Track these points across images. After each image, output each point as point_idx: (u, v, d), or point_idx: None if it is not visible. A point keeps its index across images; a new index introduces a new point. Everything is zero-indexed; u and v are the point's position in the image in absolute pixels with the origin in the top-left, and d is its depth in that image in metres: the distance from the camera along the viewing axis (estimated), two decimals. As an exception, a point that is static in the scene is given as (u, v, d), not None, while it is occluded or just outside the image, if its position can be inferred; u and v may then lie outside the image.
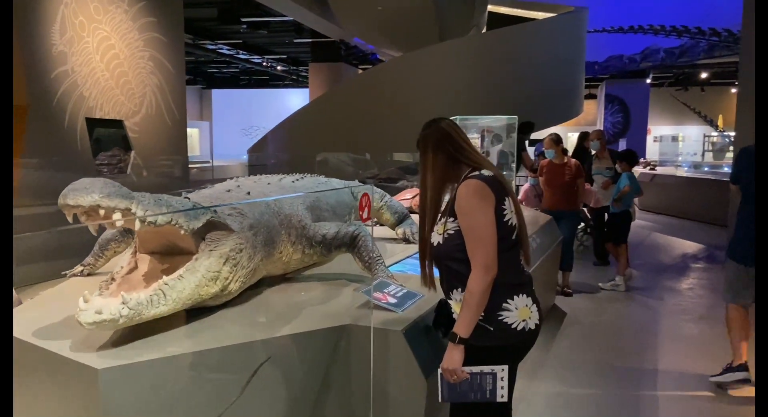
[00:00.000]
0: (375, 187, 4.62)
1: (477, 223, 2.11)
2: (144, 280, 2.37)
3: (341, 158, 12.05)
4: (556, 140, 6.54)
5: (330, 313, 2.61)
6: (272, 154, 13.55)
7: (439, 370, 2.18)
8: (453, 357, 2.13)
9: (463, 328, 2.13)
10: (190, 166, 12.91)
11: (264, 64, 22.28)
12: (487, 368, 2.16)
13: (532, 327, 2.21)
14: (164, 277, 2.29)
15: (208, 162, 23.01)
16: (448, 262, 2.23)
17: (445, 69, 10.60)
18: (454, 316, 2.25)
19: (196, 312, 2.47)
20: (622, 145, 22.30)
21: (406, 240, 4.34)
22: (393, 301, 2.73)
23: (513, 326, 2.16)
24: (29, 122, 7.39)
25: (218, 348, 2.14)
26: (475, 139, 7.16)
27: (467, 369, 2.15)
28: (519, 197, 7.55)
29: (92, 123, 8.48)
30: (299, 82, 26.30)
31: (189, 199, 2.49)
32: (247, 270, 2.63)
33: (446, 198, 2.33)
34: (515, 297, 2.18)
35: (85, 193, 1.97)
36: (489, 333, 2.15)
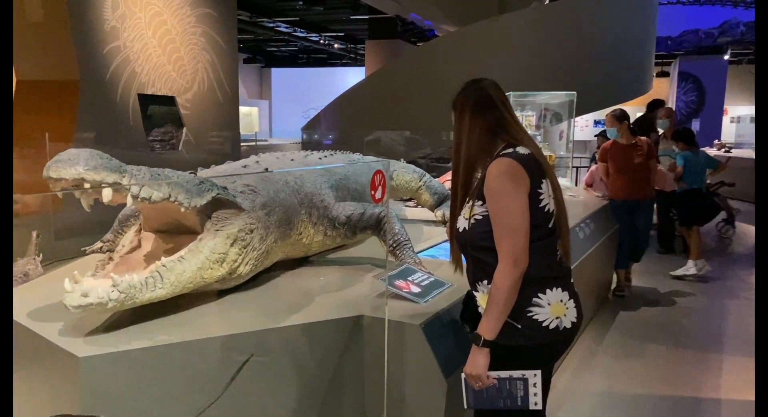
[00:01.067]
0: (414, 167, 4.35)
1: (507, 210, 1.86)
2: (144, 260, 2.21)
3: (393, 137, 11.78)
4: (620, 116, 5.54)
5: (346, 301, 2.39)
6: (325, 132, 13.44)
7: (463, 375, 1.93)
8: (477, 361, 1.89)
9: (488, 329, 1.88)
10: (243, 143, 12.96)
11: (321, 42, 22.13)
12: (516, 373, 1.91)
13: (568, 325, 1.95)
14: (163, 258, 2.12)
15: (265, 140, 23.29)
16: (473, 251, 1.99)
17: (503, 43, 10.10)
18: (480, 310, 2.00)
19: (201, 296, 2.31)
20: (695, 125, 20.96)
21: (445, 223, 4.05)
22: (416, 290, 2.48)
23: (544, 324, 1.91)
24: (81, 98, 7.49)
25: (212, 338, 1.95)
26: (529, 116, 6.73)
27: (494, 374, 1.91)
28: (584, 179, 6.91)
29: (144, 99, 8.55)
30: (357, 61, 26.07)
31: (195, 174, 2.31)
32: (259, 252, 2.44)
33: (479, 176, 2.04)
34: (548, 291, 1.92)
35: (68, 165, 1.81)
36: (516, 331, 1.90)
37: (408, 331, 2.15)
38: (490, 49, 10.21)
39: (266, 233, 2.46)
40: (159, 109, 9.13)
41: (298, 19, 18.86)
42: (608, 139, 7.47)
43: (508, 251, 1.84)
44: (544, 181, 1.93)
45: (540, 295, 1.91)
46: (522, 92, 6.64)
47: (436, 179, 6.14)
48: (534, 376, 1.91)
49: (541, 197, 1.91)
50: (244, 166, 2.83)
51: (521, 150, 1.95)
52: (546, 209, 1.93)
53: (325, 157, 3.45)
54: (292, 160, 3.16)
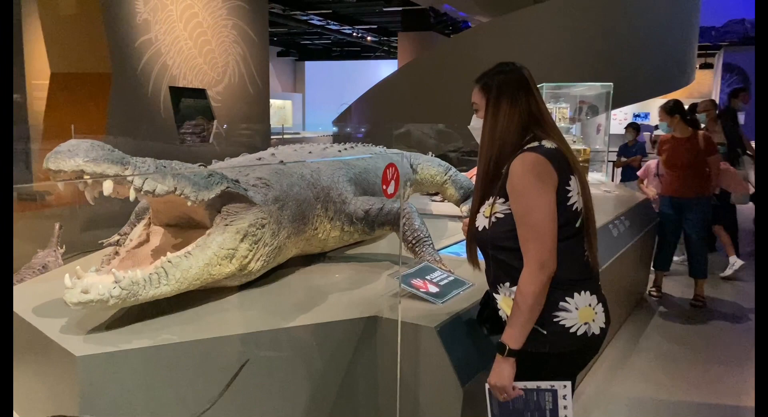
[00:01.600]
0: (440, 160, 4.21)
1: (533, 209, 1.72)
2: (152, 255, 2.14)
3: (423, 130, 11.62)
4: (670, 109, 5.03)
5: (360, 300, 2.28)
6: (356, 125, 13.36)
7: (487, 385, 1.80)
8: (502, 371, 1.75)
9: (513, 337, 1.74)
10: (273, 136, 12.98)
11: (354, 34, 22.03)
12: (545, 384, 1.78)
13: (596, 331, 1.81)
14: (168, 253, 2.04)
15: (298, 133, 23.37)
16: (494, 251, 1.85)
17: (539, 33, 9.81)
18: (501, 313, 1.88)
19: (210, 293, 2.23)
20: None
21: (471, 218, 3.91)
22: (434, 290, 2.36)
23: (572, 330, 1.77)
24: (113, 90, 7.56)
25: (215, 338, 1.87)
26: (563, 109, 6.50)
27: (521, 385, 1.77)
28: (639, 173, 6.53)
29: (175, 91, 8.60)
30: (390, 53, 25.92)
31: (205, 167, 2.23)
32: (271, 248, 2.35)
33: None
34: (575, 295, 1.78)
35: (67, 157, 1.74)
36: (543, 337, 1.77)
37: (422, 333, 2.04)
38: (526, 39, 9.95)
39: (278, 228, 2.37)
40: (190, 102, 9.18)
41: (330, 11, 18.79)
42: (637, 131, 7.11)
43: (535, 255, 1.71)
44: (572, 177, 1.80)
45: (567, 298, 1.78)
46: (556, 83, 6.41)
47: (464, 173, 6.00)
48: (564, 388, 1.79)
49: (570, 195, 1.78)
50: (259, 159, 2.75)
51: (547, 144, 1.81)
52: (574, 208, 1.80)
53: (345, 150, 3.35)
54: (310, 152, 3.06)
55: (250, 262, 2.27)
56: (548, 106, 6.61)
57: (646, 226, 4.98)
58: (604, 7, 9.22)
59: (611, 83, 6.36)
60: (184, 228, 2.29)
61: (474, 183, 4.12)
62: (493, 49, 10.23)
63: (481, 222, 1.87)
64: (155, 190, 1.92)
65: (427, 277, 2.45)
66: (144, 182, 1.88)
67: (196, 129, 9.50)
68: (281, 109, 27.65)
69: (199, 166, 2.21)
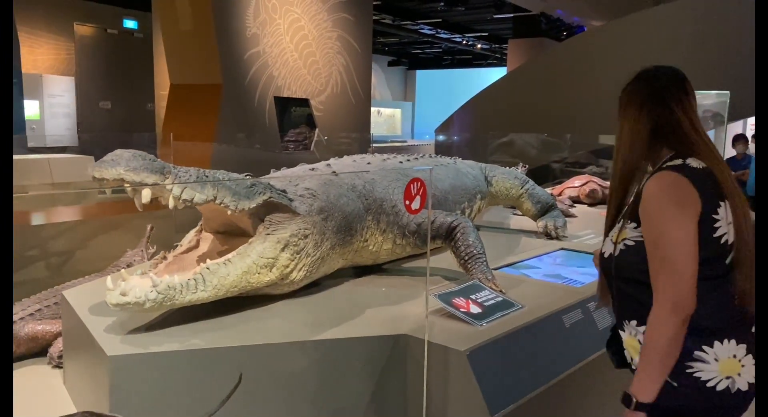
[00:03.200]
0: (517, 173, 4.04)
1: (668, 239, 1.49)
2: (198, 261, 2.23)
3: (527, 139, 11.27)
4: None
5: (397, 316, 2.22)
6: (459, 134, 13.24)
7: None
8: None
9: (642, 390, 1.52)
10: (375, 144, 13.19)
11: (464, 43, 21.91)
12: None
13: (743, 387, 1.52)
14: (208, 260, 2.12)
15: (405, 141, 23.59)
16: (620, 283, 1.63)
17: (654, 38, 9.18)
18: (625, 354, 1.66)
19: (251, 300, 2.28)
20: None
21: (547, 234, 3.70)
22: (476, 310, 2.25)
23: (709, 384, 1.51)
24: (222, 100, 8.06)
25: (241, 346, 1.91)
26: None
27: None
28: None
29: (280, 101, 9.01)
30: (502, 61, 25.47)
31: (251, 176, 2.29)
32: (314, 258, 2.36)
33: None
34: (716, 343, 1.52)
35: (110, 166, 1.85)
36: (672, 389, 1.52)
37: (451, 356, 1.94)
38: (640, 44, 9.34)
39: (322, 239, 2.38)
40: (294, 111, 9.58)
41: (440, 20, 18.82)
42: (747, 143, 6.40)
43: (667, 293, 1.48)
44: (722, 204, 1.53)
45: (705, 347, 1.52)
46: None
47: (561, 185, 5.70)
48: None
49: (717, 225, 1.52)
50: (313, 169, 2.78)
51: (693, 162, 1.56)
52: (722, 240, 1.52)
53: (408, 161, 3.30)
54: (368, 163, 3.05)
55: (291, 272, 2.30)
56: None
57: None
58: (725, 10, 8.44)
59: (728, 92, 5.77)
60: (233, 235, 2.36)
61: (551, 196, 3.95)
62: (605, 55, 9.72)
63: (608, 248, 1.66)
64: (194, 199, 1.99)
65: (472, 296, 2.34)
66: (183, 191, 1.96)
67: (299, 137, 9.89)
68: (391, 118, 28.09)
69: (245, 176, 2.27)
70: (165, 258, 2.25)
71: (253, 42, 8.42)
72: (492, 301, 2.35)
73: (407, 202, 1.83)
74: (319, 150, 9.70)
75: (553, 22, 16.60)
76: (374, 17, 17.44)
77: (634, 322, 1.60)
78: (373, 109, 26.24)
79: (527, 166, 6.46)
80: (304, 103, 9.57)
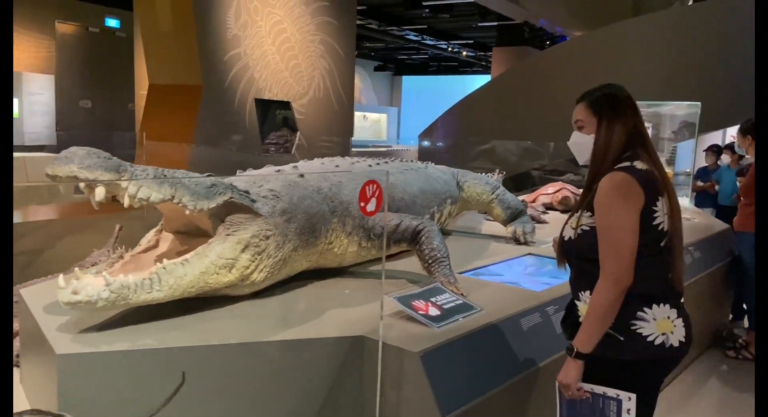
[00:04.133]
0: (488, 178, 4.07)
1: (614, 226, 1.80)
2: (156, 261, 2.21)
3: (508, 147, 11.35)
4: (746, 129, 4.52)
5: (355, 318, 2.23)
6: (442, 140, 13.30)
7: (557, 382, 1.90)
8: (568, 372, 1.87)
9: (582, 342, 1.85)
10: (356, 148, 13.21)
11: (450, 50, 22.03)
12: (611, 392, 1.84)
13: (675, 344, 1.85)
14: (165, 260, 2.11)
15: (390, 146, 23.63)
16: (577, 261, 1.96)
17: (635, 48, 9.30)
18: (581, 320, 1.93)
19: (212, 301, 2.27)
20: None
21: (516, 240, 3.73)
22: (435, 313, 2.26)
23: (649, 339, 1.83)
24: (201, 101, 8.03)
25: (193, 347, 1.90)
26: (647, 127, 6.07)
27: (588, 387, 1.87)
28: None
29: (261, 104, 8.99)
30: (488, 68, 25.66)
31: (212, 175, 2.28)
32: (275, 260, 2.36)
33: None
34: (654, 306, 1.85)
35: (63, 163, 1.84)
36: (619, 344, 1.84)
37: (405, 358, 1.95)
38: (620, 54, 9.46)
39: (284, 241, 2.38)
40: (279, 114, 9.57)
41: (426, 26, 18.92)
42: (718, 154, 6.44)
43: (611, 269, 1.80)
44: (660, 198, 1.84)
45: (646, 309, 1.84)
46: (639, 101, 6.00)
47: (534, 193, 5.75)
48: (629, 401, 1.82)
49: (656, 215, 1.83)
50: (278, 170, 2.78)
51: (639, 164, 1.85)
52: (660, 227, 1.84)
53: (377, 164, 3.31)
54: (336, 166, 3.06)
55: (252, 273, 2.29)
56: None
57: (718, 261, 4.51)
58: (701, 23, 8.59)
59: (699, 103, 5.86)
60: (194, 236, 2.35)
61: (519, 201, 3.98)
62: (585, 65, 9.82)
63: (568, 232, 1.96)
64: (150, 198, 1.98)
65: (432, 299, 2.35)
66: (139, 190, 1.95)
67: (280, 139, 9.88)
68: (377, 123, 28.13)
69: (207, 176, 2.27)
70: (122, 257, 2.23)
71: (234, 43, 8.41)
72: (451, 304, 2.37)
73: (362, 204, 1.83)
74: (300, 153, 9.70)
75: (536, 32, 16.76)
76: (360, 22, 17.51)
77: (588, 293, 1.89)
78: (358, 113, 26.34)
79: (504, 173, 6.51)
80: (285, 105, 9.56)
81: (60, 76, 13.65)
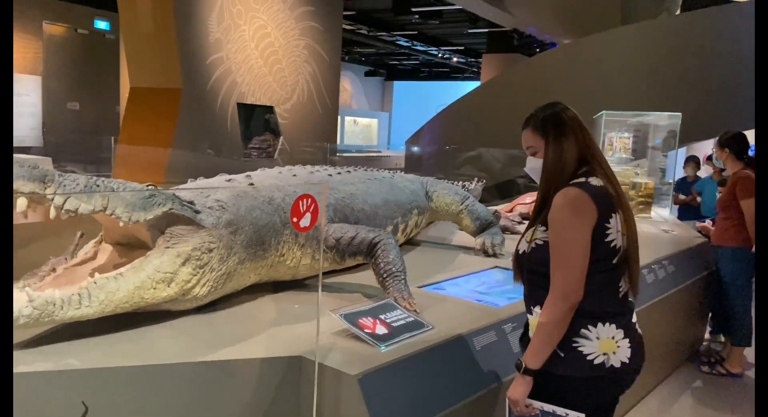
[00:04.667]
0: (458, 188, 3.99)
1: (566, 241, 1.81)
2: (92, 274, 2.12)
3: (494, 154, 11.31)
4: (722, 142, 4.40)
5: (299, 336, 2.14)
6: (429, 146, 13.25)
7: (507, 397, 1.90)
8: (517, 387, 1.87)
9: (530, 357, 1.85)
10: (342, 154, 13.12)
11: (440, 56, 22.01)
12: (561, 410, 1.84)
13: (616, 364, 1.84)
14: (96, 274, 2.01)
15: (380, 152, 23.58)
16: (530, 275, 1.95)
17: (621, 56, 9.28)
18: (530, 334, 1.94)
19: (152, 315, 2.18)
20: None
21: (484, 252, 3.66)
22: (382, 331, 2.17)
23: (589, 358, 1.83)
24: (182, 105, 7.93)
25: (119, 367, 1.80)
26: (625, 139, 6.04)
27: (538, 405, 1.86)
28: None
29: (243, 108, 8.90)
30: (479, 75, 25.68)
31: (155, 186, 2.19)
32: (219, 273, 2.27)
33: None
34: (599, 324, 1.85)
35: (-17, 173, 1.75)
36: (559, 360, 1.84)
37: (344, 381, 1.86)
38: (607, 63, 9.45)
39: (229, 253, 2.29)
40: (270, 118, 9.47)
41: (416, 32, 18.89)
42: (698, 165, 6.38)
43: (560, 285, 1.80)
44: (614, 215, 1.84)
45: (590, 327, 1.84)
46: (616, 111, 5.95)
47: (512, 203, 5.68)
48: None
49: (608, 232, 1.83)
50: (229, 180, 2.69)
51: (594, 181, 1.86)
52: (612, 245, 1.84)
53: (338, 174, 3.22)
54: (294, 175, 2.97)
55: (194, 287, 2.20)
56: (610, 135, 6.17)
57: (696, 274, 4.45)
58: (687, 33, 8.58)
59: (679, 114, 5.82)
60: (135, 247, 2.26)
61: (489, 212, 3.91)
62: (572, 73, 9.81)
63: (522, 246, 1.97)
64: (78, 209, 1.89)
65: (381, 316, 2.27)
66: (66, 201, 1.86)
67: (263, 144, 9.78)
68: (367, 128, 28.06)
69: (146, 186, 2.18)
70: (54, 270, 2.14)
71: (216, 47, 8.32)
72: (402, 322, 2.28)
73: (294, 219, 1.75)
74: (282, 158, 9.61)
75: (526, 39, 16.76)
76: (350, 27, 17.46)
77: (539, 307, 1.88)
78: (349, 118, 26.30)
79: (483, 182, 6.44)
80: (268, 110, 9.47)
81: (47, 78, 13.51)
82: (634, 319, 1.96)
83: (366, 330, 2.15)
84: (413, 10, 14.83)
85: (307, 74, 10.03)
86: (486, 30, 17.34)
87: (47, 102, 13.62)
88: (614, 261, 1.85)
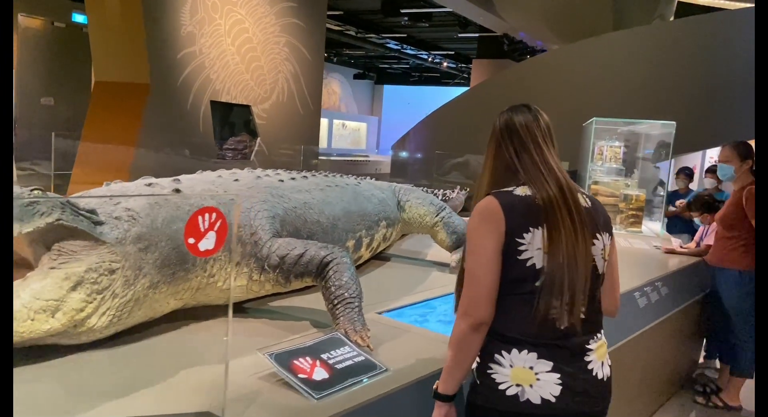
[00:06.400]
0: (434, 198, 3.58)
1: (470, 254, 1.66)
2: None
3: (481, 161, 10.90)
4: (742, 152, 3.97)
5: (213, 381, 1.71)
6: (415, 151, 12.87)
7: None
8: (435, 414, 1.70)
9: (441, 380, 1.70)
10: (323, 157, 12.69)
11: (430, 60, 21.69)
12: None
13: (535, 400, 1.60)
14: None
15: (367, 156, 23.20)
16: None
17: (612, 61, 8.95)
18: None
19: (41, 350, 1.75)
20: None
21: (460, 270, 3.25)
22: (321, 376, 1.75)
23: (501, 387, 1.63)
24: (150, 101, 7.46)
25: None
26: (615, 148, 5.67)
27: None
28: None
29: (217, 106, 8.44)
30: (470, 81, 25.42)
31: (42, 190, 1.77)
32: (124, 300, 1.85)
33: None
34: (513, 351, 1.63)
35: None
36: (475, 387, 1.70)
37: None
38: (597, 68, 9.13)
39: (137, 275, 1.86)
40: (233, 118, 9.03)
41: (405, 35, 18.55)
42: (690, 178, 6.03)
43: (462, 301, 1.64)
44: (533, 230, 1.62)
45: (503, 352, 1.64)
46: (607, 119, 5.58)
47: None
48: None
49: (522, 248, 1.62)
50: (150, 185, 2.25)
51: (519, 191, 1.68)
52: (528, 264, 1.62)
53: (292, 179, 2.79)
54: (236, 180, 2.54)
55: (89, 318, 1.77)
56: (600, 143, 5.80)
57: (690, 297, 4.06)
58: (681, 40, 8.25)
59: (674, 122, 5.45)
60: (18, 266, 1.83)
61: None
62: (562, 77, 9.49)
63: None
64: None
65: (324, 355, 1.85)
66: None
67: (238, 145, 9.33)
68: (356, 131, 27.66)
69: (32, 190, 1.75)
70: None
71: (188, 41, 7.87)
72: (349, 363, 1.87)
73: (190, 240, 1.33)
74: (259, 160, 9.16)
75: (516, 44, 16.47)
76: (338, 28, 17.07)
77: None
78: (337, 121, 25.89)
79: (467, 190, 6.05)
80: (244, 109, 9.03)
81: (21, 72, 12.97)
82: (589, 357, 1.65)
83: (300, 375, 1.73)
84: (402, 11, 14.48)
85: (288, 73, 9.60)
86: (476, 35, 17.04)
87: (20, 97, 13.10)
88: (537, 283, 1.62)
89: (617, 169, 5.56)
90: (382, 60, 24.69)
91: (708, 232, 4.61)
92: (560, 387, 1.60)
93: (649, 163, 5.85)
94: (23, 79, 13.01)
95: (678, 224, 7.00)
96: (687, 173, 7.19)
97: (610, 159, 5.56)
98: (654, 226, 5.74)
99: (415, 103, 28.37)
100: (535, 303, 1.60)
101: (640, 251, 4.51)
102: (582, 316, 1.63)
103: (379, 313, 2.47)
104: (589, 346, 1.66)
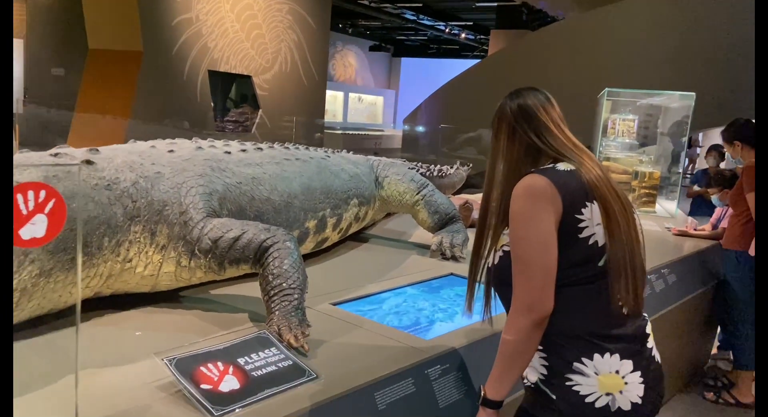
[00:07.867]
0: (415, 174, 3.24)
1: (522, 238, 1.47)
2: None
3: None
4: (733, 133, 3.71)
5: (109, 391, 1.43)
6: (426, 125, 12.47)
7: None
8: None
9: (490, 384, 1.51)
10: (327, 130, 12.35)
11: (448, 31, 21.03)
12: None
13: (625, 406, 1.43)
14: None
15: (382, 130, 22.80)
16: (500, 289, 1.60)
17: (631, 28, 8.42)
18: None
19: None
20: None
21: (441, 253, 2.93)
22: (231, 386, 1.46)
23: (587, 399, 1.44)
24: (144, 70, 7.19)
25: None
26: (629, 121, 5.23)
27: None
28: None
29: (215, 76, 8.15)
30: (488, 52, 24.71)
31: None
32: None
33: None
34: (596, 356, 1.45)
35: None
36: (551, 403, 1.47)
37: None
38: (615, 35, 8.61)
39: (22, 261, 1.58)
40: (233, 88, 8.73)
41: (422, 5, 17.93)
42: (722, 156, 5.62)
43: (520, 294, 1.46)
44: (589, 205, 1.47)
45: (585, 359, 1.45)
46: (620, 89, 5.15)
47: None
48: None
49: (582, 225, 1.47)
50: (56, 155, 1.94)
51: (561, 166, 1.53)
52: (591, 242, 1.47)
53: (242, 151, 2.47)
54: (170, 151, 2.23)
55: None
56: (613, 117, 5.37)
57: (704, 285, 3.69)
58: (704, 8, 7.66)
59: (693, 93, 5.00)
60: None
61: (452, 204, 3.19)
62: (580, 45, 8.99)
63: (491, 259, 1.62)
64: None
65: (241, 360, 1.56)
66: None
67: (240, 117, 9.05)
68: (372, 105, 27.18)
69: None
70: None
71: (184, 7, 7.54)
72: (271, 368, 1.58)
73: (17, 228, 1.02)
74: (261, 132, 8.87)
75: (536, 14, 15.82)
76: (352, -3, 16.53)
77: None
78: (353, 95, 25.42)
79: (469, 166, 5.68)
80: (244, 80, 8.72)
81: (31, 42, 12.77)
82: (650, 342, 1.54)
83: (204, 385, 1.44)
84: (417, -22, 13.93)
85: (291, 42, 9.24)
86: (495, 4, 16.39)
87: (30, 67, 12.93)
88: (600, 263, 1.47)
89: (631, 144, 5.14)
90: (400, 31, 24.07)
91: (726, 214, 4.22)
92: (643, 385, 1.46)
93: (666, 138, 5.41)
94: (33, 50, 12.83)
95: (702, 205, 6.55)
96: (719, 151, 6.69)
97: (623, 133, 5.15)
98: (669, 205, 5.32)
99: (434, 76, 27.78)
100: (598, 289, 1.46)
101: (649, 233, 4.12)
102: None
103: (333, 304, 2.17)
104: (647, 331, 1.55)
